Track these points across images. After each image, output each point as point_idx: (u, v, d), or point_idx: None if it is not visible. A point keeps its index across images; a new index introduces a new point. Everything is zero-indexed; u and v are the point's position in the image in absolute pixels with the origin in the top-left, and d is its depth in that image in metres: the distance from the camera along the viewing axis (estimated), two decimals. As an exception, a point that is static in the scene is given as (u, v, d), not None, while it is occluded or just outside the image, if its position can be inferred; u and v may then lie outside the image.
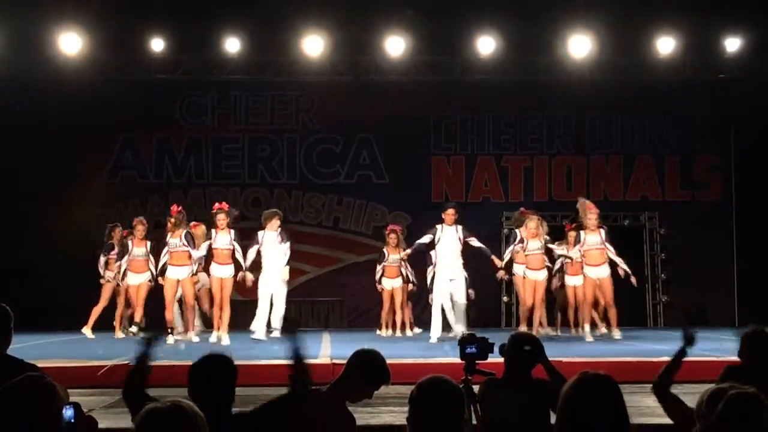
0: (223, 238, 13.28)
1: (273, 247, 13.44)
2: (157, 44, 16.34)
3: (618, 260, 13.47)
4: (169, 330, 12.92)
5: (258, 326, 13.33)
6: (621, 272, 13.49)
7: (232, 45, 16.42)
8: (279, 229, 13.56)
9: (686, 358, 4.78)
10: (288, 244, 13.57)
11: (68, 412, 3.28)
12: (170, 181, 18.01)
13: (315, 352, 11.68)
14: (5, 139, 16.63)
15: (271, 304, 13.44)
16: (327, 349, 11.94)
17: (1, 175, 16.76)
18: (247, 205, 17.60)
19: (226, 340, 12.87)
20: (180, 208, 13.63)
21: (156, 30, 16.19)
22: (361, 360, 4.82)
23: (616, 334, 13.53)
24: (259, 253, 13.44)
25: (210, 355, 4.30)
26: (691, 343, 4.79)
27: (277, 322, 13.32)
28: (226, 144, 18.27)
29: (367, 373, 4.75)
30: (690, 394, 4.31)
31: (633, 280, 13.48)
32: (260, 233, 13.55)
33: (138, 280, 13.85)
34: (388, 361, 4.87)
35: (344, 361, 4.91)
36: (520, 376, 5.06)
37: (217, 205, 13.58)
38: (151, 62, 16.96)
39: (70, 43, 15.90)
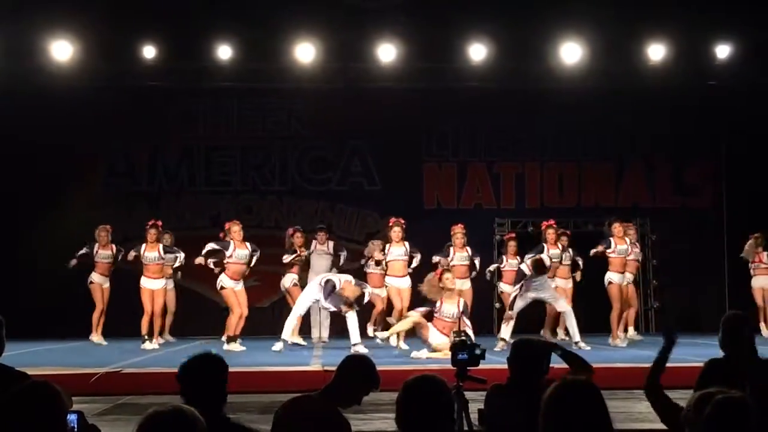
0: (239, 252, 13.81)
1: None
2: (149, 51, 16.29)
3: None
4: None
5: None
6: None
7: (224, 52, 16.40)
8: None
9: (682, 364, 4.83)
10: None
11: (72, 420, 3.30)
12: (162, 188, 18.00)
13: (307, 359, 11.70)
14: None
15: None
16: (319, 357, 11.95)
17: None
18: (239, 212, 17.59)
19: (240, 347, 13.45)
20: (158, 221, 14.39)
21: (148, 37, 16.16)
22: (351, 365, 4.88)
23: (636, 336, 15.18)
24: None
25: (200, 354, 4.26)
26: (671, 344, 4.91)
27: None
28: (219, 151, 18.27)
29: (357, 377, 4.81)
30: (680, 400, 4.33)
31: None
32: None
33: (155, 285, 14.13)
34: (380, 368, 4.89)
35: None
36: (524, 381, 4.95)
37: (228, 224, 14.07)
38: (143, 70, 16.88)
39: (62, 50, 15.85)
